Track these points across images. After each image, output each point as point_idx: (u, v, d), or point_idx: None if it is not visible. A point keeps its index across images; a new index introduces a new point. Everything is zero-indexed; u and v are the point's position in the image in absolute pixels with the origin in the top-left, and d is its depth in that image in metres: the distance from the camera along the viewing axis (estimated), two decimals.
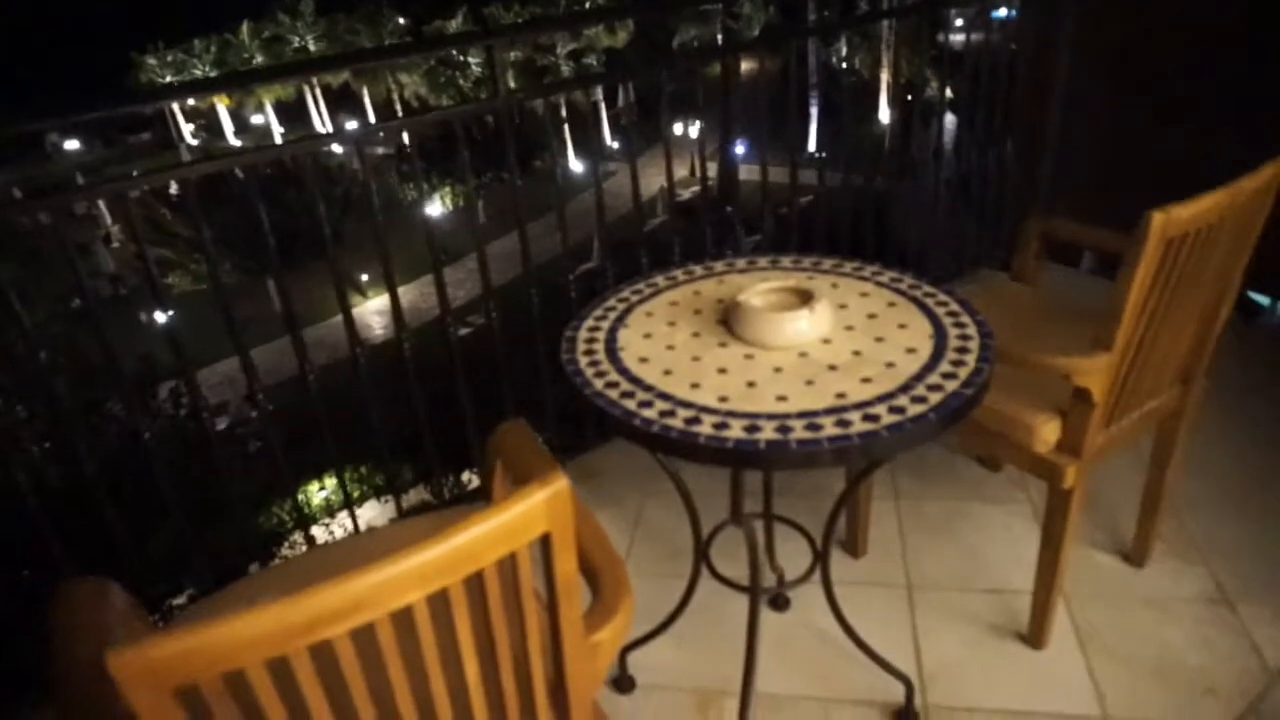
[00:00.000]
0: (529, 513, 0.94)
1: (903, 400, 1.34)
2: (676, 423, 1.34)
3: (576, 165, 30.32)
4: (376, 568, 0.85)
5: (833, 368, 1.45)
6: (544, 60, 31.36)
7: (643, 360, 1.54)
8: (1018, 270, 2.37)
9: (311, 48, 36.54)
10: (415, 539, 0.85)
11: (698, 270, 1.90)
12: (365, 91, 37.33)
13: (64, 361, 8.42)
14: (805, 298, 1.58)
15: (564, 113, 29.25)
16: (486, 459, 1.61)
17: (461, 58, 32.71)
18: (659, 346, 1.59)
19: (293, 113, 39.90)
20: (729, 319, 1.61)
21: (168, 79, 39.68)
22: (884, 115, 25.68)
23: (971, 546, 2.29)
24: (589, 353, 1.58)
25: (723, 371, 1.47)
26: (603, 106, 32.77)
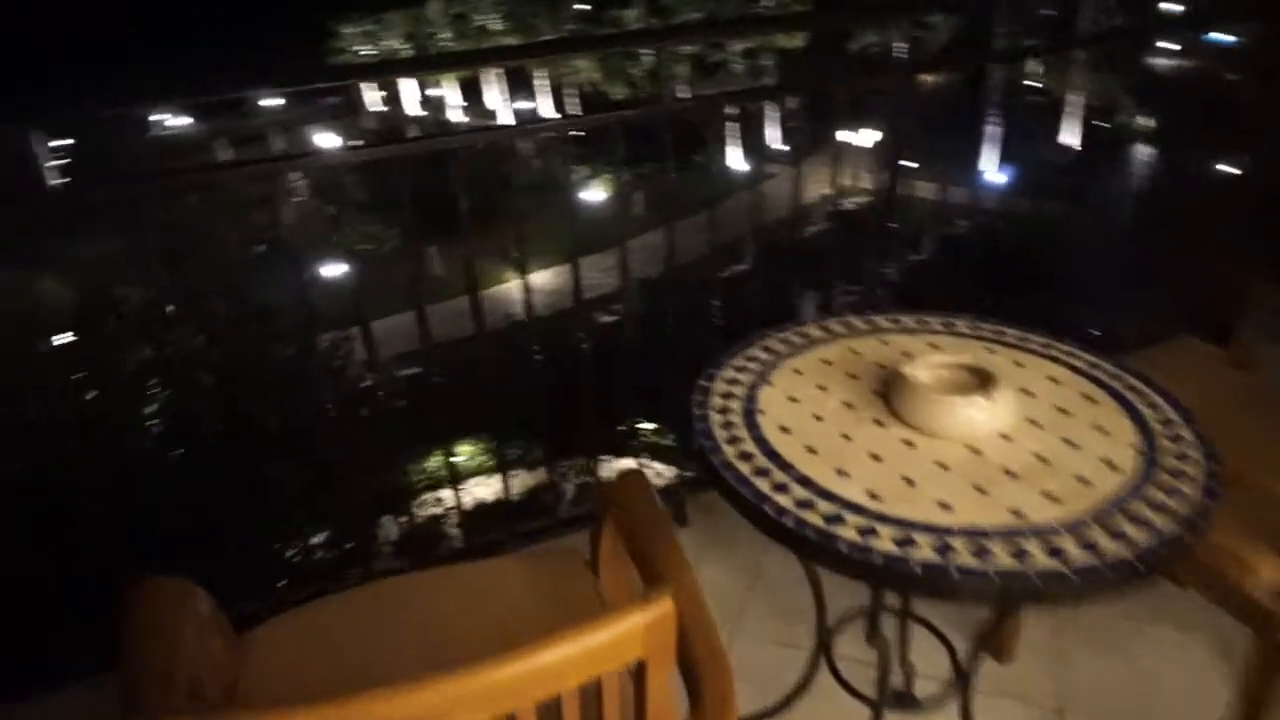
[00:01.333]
0: (623, 637, 0.78)
1: (1097, 533, 1.10)
2: (815, 518, 1.15)
3: (737, 163, 30.00)
4: (438, 682, 0.71)
5: (1010, 473, 1.22)
6: (716, 56, 31.11)
7: (784, 430, 1.35)
8: (1235, 347, 2.03)
9: (492, 27, 37.75)
10: (500, 588, 0.71)
11: (859, 323, 1.69)
12: (537, 74, 38.26)
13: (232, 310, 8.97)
14: (983, 379, 1.35)
15: (729, 109, 28.95)
16: (597, 504, 1.47)
17: (633, 49, 32.91)
18: (805, 415, 1.39)
19: (468, 86, 41.38)
20: (889, 392, 1.40)
21: (359, 48, 42.10)
22: (1069, 139, 24.06)
23: (1139, 671, 1.97)
24: (724, 410, 1.41)
25: (876, 459, 1.27)
26: (770, 107, 32.26)
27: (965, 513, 1.14)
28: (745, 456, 1.29)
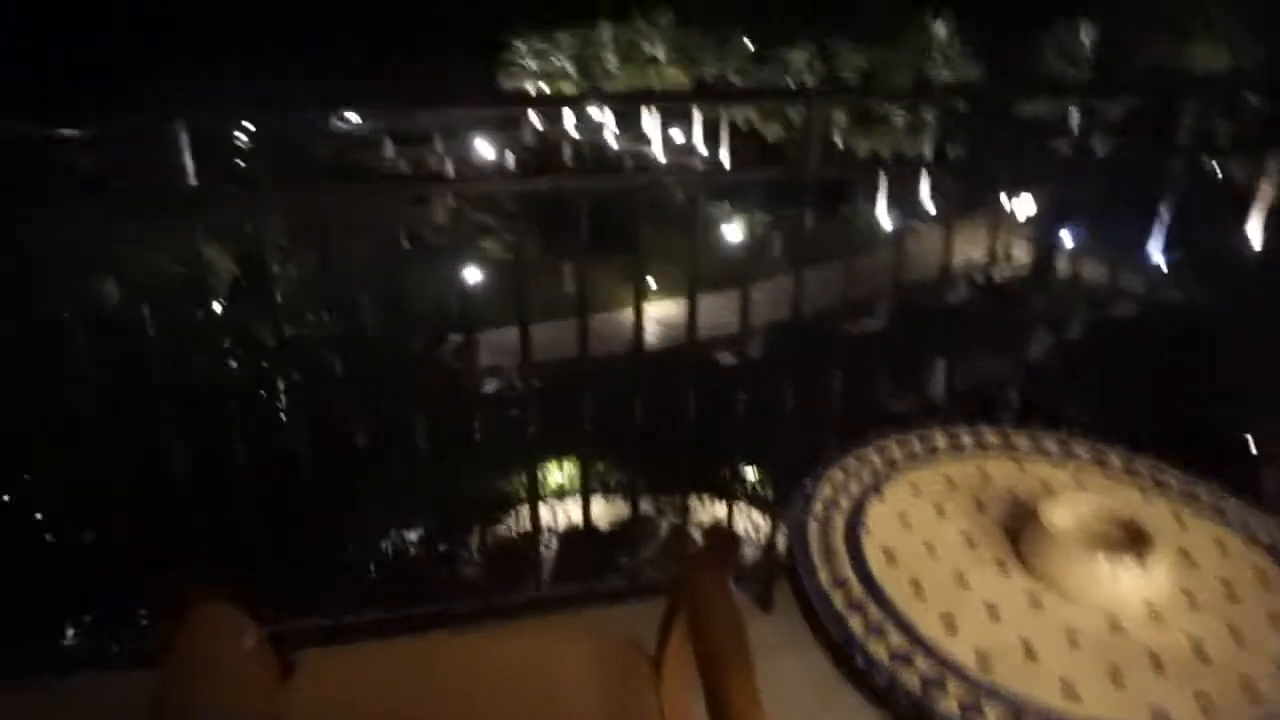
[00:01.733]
0: None
1: None
2: (911, 679, 0.99)
3: (881, 216, 29.29)
4: None
5: (1156, 661, 1.03)
6: (879, 108, 30.60)
7: (889, 557, 1.19)
8: None
9: (661, 56, 38.48)
10: (555, 669, 0.60)
11: (992, 438, 1.51)
12: (696, 108, 38.65)
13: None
14: (1134, 535, 1.15)
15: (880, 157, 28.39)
16: (673, 591, 1.35)
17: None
18: (915, 542, 1.23)
19: (628, 113, 42.26)
20: (1020, 532, 1.22)
21: (529, 64, 43.74)
22: (1254, 231, 22.28)
23: None
24: (825, 520, 1.26)
25: (993, 613, 1.09)
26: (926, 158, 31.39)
27: (1094, 703, 0.96)
28: (840, 582, 1.14)
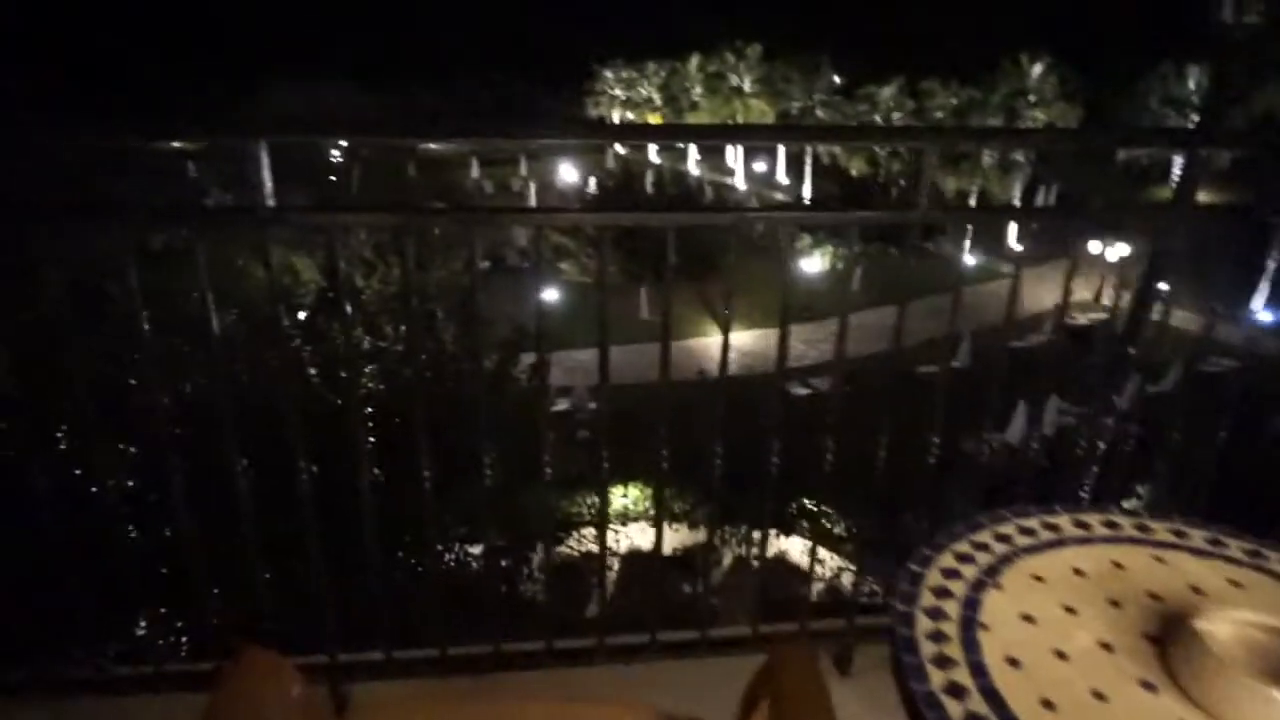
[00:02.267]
0: None
1: None
2: None
3: (968, 255, 28.56)
4: None
5: None
6: (968, 146, 30.00)
7: (1012, 663, 1.03)
8: None
9: (746, 88, 38.54)
10: None
11: (1123, 523, 1.33)
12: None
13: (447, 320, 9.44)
14: None
15: (973, 201, 27.76)
16: (752, 684, 1.21)
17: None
18: (1043, 646, 1.06)
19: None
20: (1168, 644, 1.04)
21: (616, 92, 44.33)
22: None
23: None
24: (936, 613, 1.11)
25: None
26: (1018, 203, 30.54)
27: None
28: (955, 691, 0.98)
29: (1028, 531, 1.29)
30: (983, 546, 1.25)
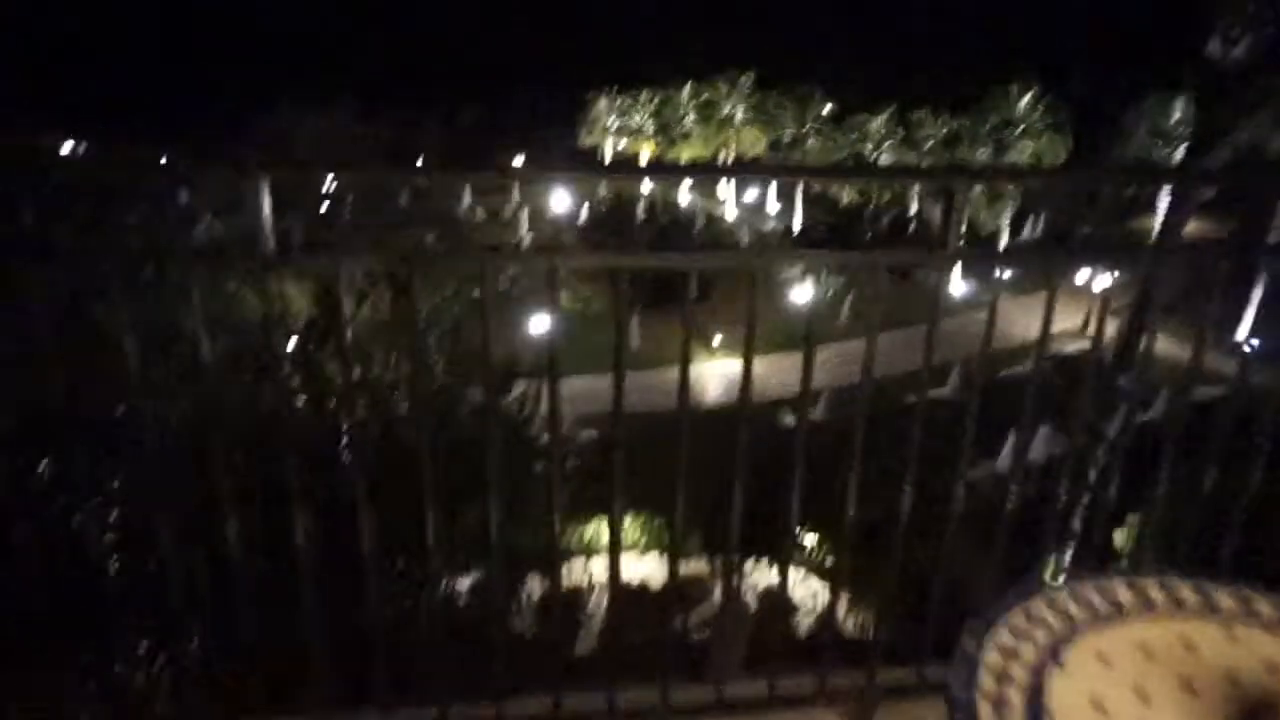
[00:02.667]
0: None
1: None
2: None
3: (963, 284, 28.60)
4: None
5: None
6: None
7: None
8: None
9: (739, 116, 38.83)
10: None
11: (1188, 594, 1.24)
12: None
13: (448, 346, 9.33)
14: None
15: (963, 228, 27.92)
16: None
17: (872, 158, 32.75)
18: None
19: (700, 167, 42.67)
20: None
21: (610, 121, 44.66)
22: None
23: None
24: (998, 700, 1.02)
25: None
26: (1005, 232, 30.80)
27: None
28: None
29: (1085, 603, 1.20)
30: (1041, 622, 1.16)
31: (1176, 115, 25.52)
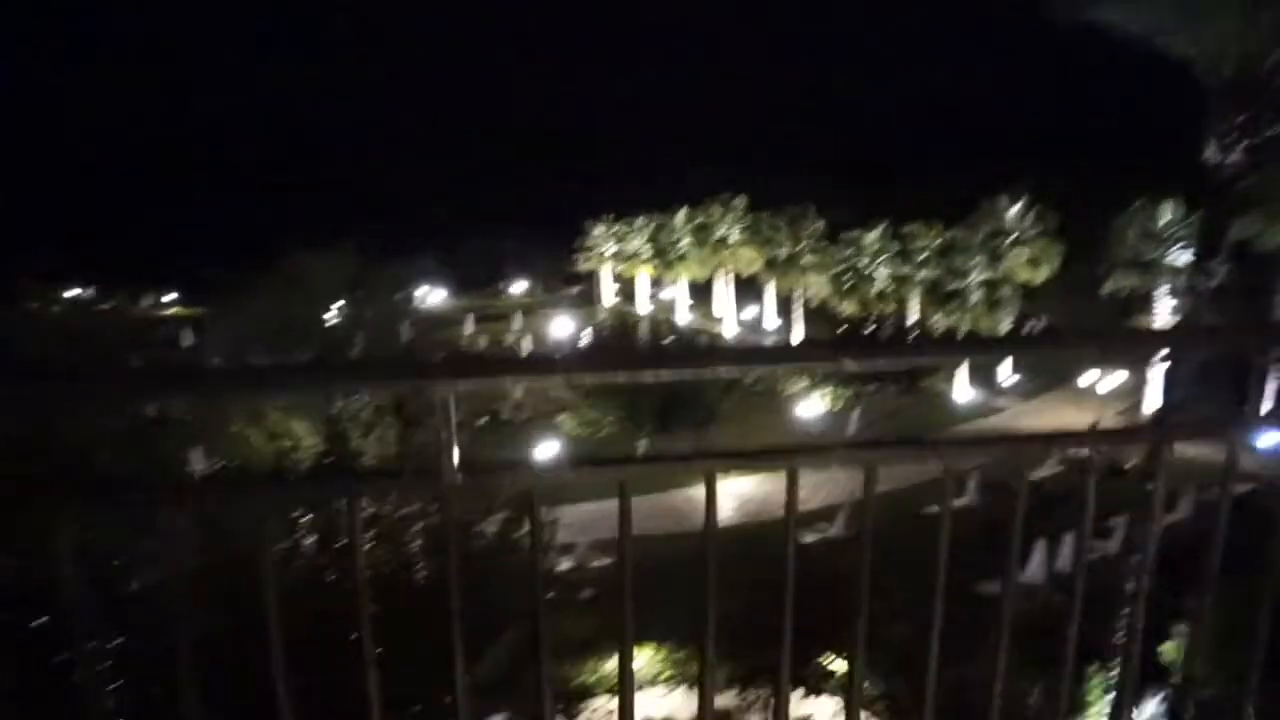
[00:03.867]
0: None
1: None
2: None
3: (963, 392, 28.56)
4: None
5: None
6: (954, 284, 30.63)
7: None
8: None
9: (734, 237, 39.79)
10: None
11: None
12: (772, 283, 39.54)
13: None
14: None
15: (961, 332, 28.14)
16: None
17: (868, 271, 33.29)
18: None
19: (700, 290, 43.47)
20: None
21: (610, 247, 45.89)
22: None
23: None
24: None
25: None
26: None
27: None
28: None
29: None
30: None
31: (1166, 218, 26.09)
